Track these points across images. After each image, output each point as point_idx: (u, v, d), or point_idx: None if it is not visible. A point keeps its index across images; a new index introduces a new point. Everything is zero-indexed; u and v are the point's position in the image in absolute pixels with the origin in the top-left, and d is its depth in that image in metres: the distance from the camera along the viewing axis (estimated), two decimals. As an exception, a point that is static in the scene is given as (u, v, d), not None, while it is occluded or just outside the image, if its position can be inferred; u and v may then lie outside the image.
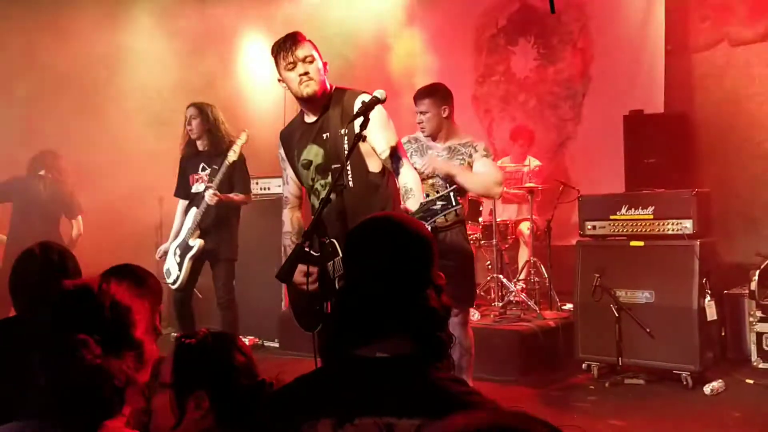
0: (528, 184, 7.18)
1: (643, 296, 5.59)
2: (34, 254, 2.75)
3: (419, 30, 9.11)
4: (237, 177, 5.74)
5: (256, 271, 7.24)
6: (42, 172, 6.89)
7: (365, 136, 3.29)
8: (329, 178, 3.53)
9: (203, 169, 5.67)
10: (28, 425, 1.66)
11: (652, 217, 5.65)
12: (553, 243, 6.97)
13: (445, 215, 3.03)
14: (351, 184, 3.47)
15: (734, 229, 6.86)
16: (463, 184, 4.46)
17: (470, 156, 4.62)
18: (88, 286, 1.79)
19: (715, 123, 7.10)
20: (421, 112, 4.73)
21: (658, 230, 5.62)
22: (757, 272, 5.90)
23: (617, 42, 7.75)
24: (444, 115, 4.72)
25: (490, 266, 7.17)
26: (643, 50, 7.51)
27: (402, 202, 3.40)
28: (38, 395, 1.69)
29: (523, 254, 7.25)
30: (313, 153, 3.60)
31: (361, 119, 3.24)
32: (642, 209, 5.70)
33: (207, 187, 5.56)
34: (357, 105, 3.41)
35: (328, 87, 3.57)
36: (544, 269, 6.91)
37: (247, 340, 7.29)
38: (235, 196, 5.70)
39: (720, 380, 5.33)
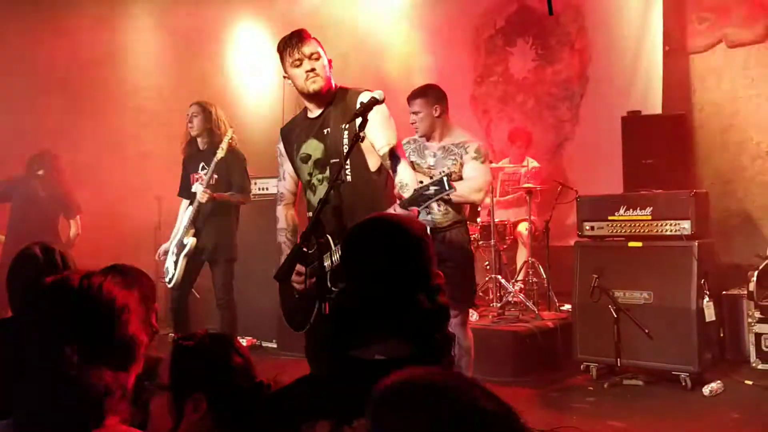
0: (526, 185, 7.17)
1: (642, 297, 5.59)
2: (31, 254, 2.75)
3: (418, 30, 9.11)
4: (235, 177, 5.73)
5: (255, 272, 7.22)
6: (40, 172, 6.88)
7: (364, 137, 3.30)
8: (327, 173, 3.56)
9: (203, 168, 5.66)
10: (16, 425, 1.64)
11: (650, 217, 5.65)
12: (552, 244, 6.96)
13: (437, 199, 3.04)
14: (349, 179, 3.48)
15: (732, 229, 6.86)
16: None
17: (461, 157, 4.66)
18: (66, 279, 1.73)
19: (713, 124, 7.10)
20: (413, 113, 4.83)
21: (657, 231, 5.62)
22: (756, 273, 5.89)
23: (615, 43, 7.74)
24: (436, 115, 4.80)
25: (488, 267, 7.16)
26: (641, 51, 7.50)
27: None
28: (24, 400, 1.66)
29: (522, 255, 7.24)
30: (313, 147, 3.63)
31: (359, 119, 3.25)
32: (640, 210, 5.70)
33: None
34: (359, 103, 3.43)
35: (333, 85, 3.61)
36: (542, 270, 6.90)
37: (245, 341, 7.28)
38: (231, 196, 5.69)
39: (719, 381, 5.33)
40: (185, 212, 5.78)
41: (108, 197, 7.70)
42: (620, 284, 5.67)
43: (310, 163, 3.65)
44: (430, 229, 4.51)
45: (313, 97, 3.58)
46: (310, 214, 3.75)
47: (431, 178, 3.13)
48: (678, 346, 5.41)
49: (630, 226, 5.73)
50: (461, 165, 4.64)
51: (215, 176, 5.60)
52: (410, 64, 9.14)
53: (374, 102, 3.28)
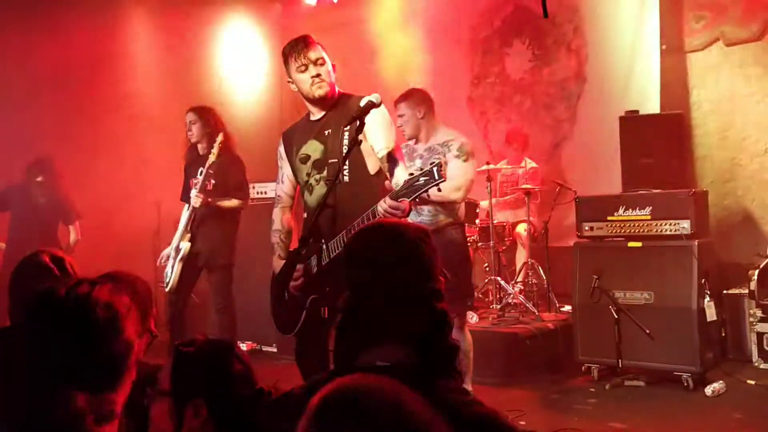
0: (524, 186, 7.16)
1: (642, 297, 5.57)
2: (32, 261, 2.72)
3: (414, 31, 9.11)
4: (232, 181, 5.72)
5: (254, 275, 7.21)
6: (39, 179, 6.86)
7: (361, 140, 3.31)
8: (325, 173, 3.58)
9: (201, 173, 5.65)
10: None
11: (649, 217, 5.64)
12: (551, 244, 6.95)
13: (427, 189, 3.01)
14: (347, 179, 3.49)
15: (732, 228, 6.85)
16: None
17: (444, 156, 4.71)
18: (52, 290, 1.68)
19: (712, 123, 7.10)
20: (399, 116, 4.96)
21: (656, 231, 5.61)
22: (757, 272, 5.88)
23: (612, 42, 7.74)
24: (420, 116, 4.95)
25: (487, 268, 7.15)
26: (638, 50, 7.50)
27: None
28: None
29: (521, 256, 7.23)
30: (313, 148, 3.65)
31: (357, 123, 3.26)
32: (639, 210, 5.69)
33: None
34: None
35: (337, 90, 3.65)
36: (542, 271, 6.88)
37: (245, 345, 7.27)
38: (228, 201, 5.68)
39: (721, 381, 5.31)
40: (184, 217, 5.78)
41: (107, 203, 7.68)
42: (620, 285, 5.65)
43: (309, 163, 3.67)
44: None
45: (318, 101, 3.61)
46: (305, 214, 3.75)
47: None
48: (679, 347, 5.39)
49: (629, 226, 5.72)
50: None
51: (212, 181, 5.60)
52: (407, 66, 9.13)
53: (371, 105, 3.29)
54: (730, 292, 6.11)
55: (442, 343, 1.73)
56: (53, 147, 7.24)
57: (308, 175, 3.68)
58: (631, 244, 5.69)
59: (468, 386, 4.36)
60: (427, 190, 3.01)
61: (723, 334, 5.96)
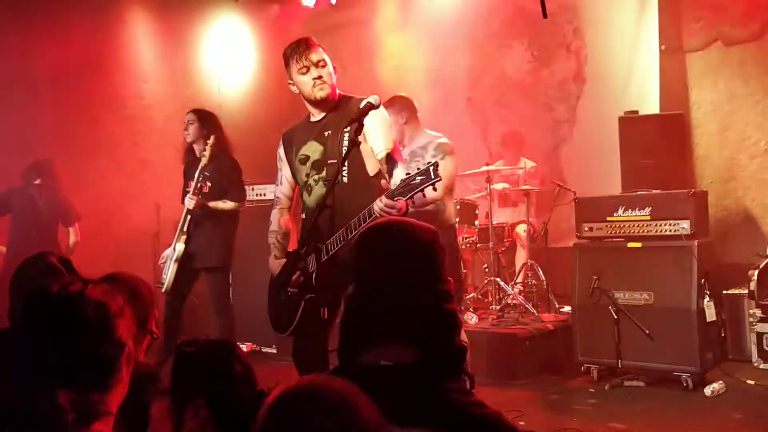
0: (524, 187, 7.17)
1: (642, 298, 5.57)
2: (40, 261, 2.72)
3: (412, 33, 9.12)
4: (228, 184, 5.71)
5: (253, 277, 7.20)
6: (38, 181, 6.86)
7: (360, 142, 3.32)
8: (324, 173, 3.58)
9: (200, 176, 5.64)
10: None
11: (649, 218, 5.63)
12: (550, 245, 6.96)
13: (423, 188, 3.00)
14: (345, 180, 3.50)
15: (732, 229, 6.85)
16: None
17: (423, 158, 4.81)
18: (44, 289, 1.64)
19: (711, 123, 7.10)
20: None
21: (656, 231, 5.61)
22: (756, 272, 5.88)
23: (611, 43, 7.75)
24: (402, 122, 5.09)
25: (487, 269, 7.15)
26: (637, 51, 7.51)
27: None
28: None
29: (520, 257, 7.23)
30: (312, 149, 3.66)
31: (356, 124, 3.27)
32: (639, 210, 5.69)
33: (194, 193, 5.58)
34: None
35: (337, 92, 3.66)
36: (541, 272, 6.89)
37: (245, 346, 7.27)
38: (223, 203, 5.68)
39: (720, 381, 5.31)
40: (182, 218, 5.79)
41: (106, 204, 7.68)
42: (620, 285, 5.65)
43: (308, 164, 3.67)
44: None
45: (319, 103, 3.62)
46: (304, 215, 3.75)
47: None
48: (679, 347, 5.39)
49: (629, 226, 5.72)
50: None
51: (208, 183, 5.59)
52: (406, 68, 9.14)
53: (370, 107, 3.31)
54: (729, 292, 6.11)
55: (450, 344, 1.73)
56: (52, 149, 7.24)
57: (307, 175, 3.68)
58: (630, 244, 5.69)
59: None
60: (423, 190, 3.01)
61: (722, 335, 5.96)
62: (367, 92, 3.50)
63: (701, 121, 7.13)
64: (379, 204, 3.13)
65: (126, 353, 1.65)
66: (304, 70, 3.56)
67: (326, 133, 3.59)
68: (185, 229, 5.62)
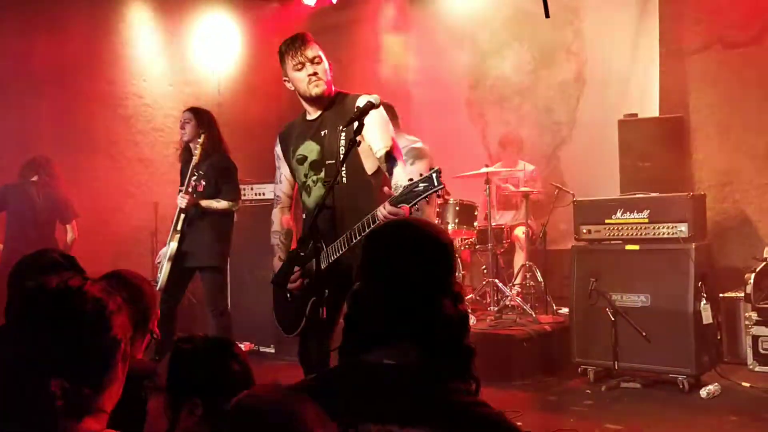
0: (523, 188, 7.18)
1: (639, 300, 5.59)
2: (36, 258, 2.71)
3: (413, 33, 9.13)
4: (223, 183, 5.70)
5: (252, 277, 7.23)
6: (34, 178, 6.85)
7: (360, 141, 3.31)
8: (322, 174, 3.58)
9: (194, 174, 5.64)
10: None
11: (647, 220, 5.65)
12: (549, 247, 6.97)
13: (427, 196, 3.00)
14: (345, 181, 3.49)
15: (729, 232, 6.86)
16: None
17: None
18: (43, 283, 1.66)
19: (710, 126, 7.10)
20: None
21: (654, 234, 5.62)
22: (753, 275, 5.89)
23: (611, 46, 7.76)
24: None
25: (485, 271, 7.16)
26: (638, 54, 7.53)
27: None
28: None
29: (519, 258, 7.24)
30: (309, 149, 3.64)
31: (356, 124, 3.26)
32: (637, 213, 5.70)
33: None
34: (357, 107, 3.44)
35: (333, 89, 3.63)
36: (539, 273, 6.90)
37: (243, 346, 7.27)
38: (217, 202, 5.67)
39: (716, 384, 5.33)
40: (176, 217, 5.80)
41: (105, 203, 7.69)
42: (617, 287, 5.67)
43: (306, 164, 3.66)
44: None
45: (315, 100, 3.60)
46: (304, 215, 3.76)
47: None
48: (675, 349, 5.40)
49: (627, 229, 5.73)
50: None
51: (203, 182, 5.58)
52: (405, 68, 9.16)
53: (370, 106, 3.29)
54: (726, 295, 6.12)
55: (459, 346, 1.72)
56: (51, 146, 7.25)
57: (306, 176, 3.67)
58: (628, 246, 5.70)
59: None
60: (427, 197, 3.01)
61: (718, 337, 5.97)
62: (367, 92, 3.50)
63: (700, 125, 7.14)
64: (383, 211, 3.12)
65: (121, 351, 1.65)
66: (300, 66, 3.54)
67: (323, 133, 3.58)
68: (179, 227, 5.61)
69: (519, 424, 1.65)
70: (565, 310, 6.47)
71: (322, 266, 3.35)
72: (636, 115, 6.83)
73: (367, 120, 3.31)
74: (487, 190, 6.81)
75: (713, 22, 7.01)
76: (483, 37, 8.70)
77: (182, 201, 5.54)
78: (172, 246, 5.58)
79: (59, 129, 7.53)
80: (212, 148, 5.66)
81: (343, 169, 3.45)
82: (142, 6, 8.41)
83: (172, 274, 5.56)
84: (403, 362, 1.66)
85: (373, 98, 3.34)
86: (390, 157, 3.48)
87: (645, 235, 5.65)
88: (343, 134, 3.48)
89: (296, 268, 3.57)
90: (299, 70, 3.55)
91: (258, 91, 9.03)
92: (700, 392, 5.26)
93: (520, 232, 7.22)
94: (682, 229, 5.49)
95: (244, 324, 7.34)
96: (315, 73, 3.54)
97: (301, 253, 3.52)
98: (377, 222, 3.16)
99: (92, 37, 7.90)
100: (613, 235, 5.80)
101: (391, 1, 9.10)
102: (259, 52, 9.09)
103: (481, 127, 8.75)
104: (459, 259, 6.30)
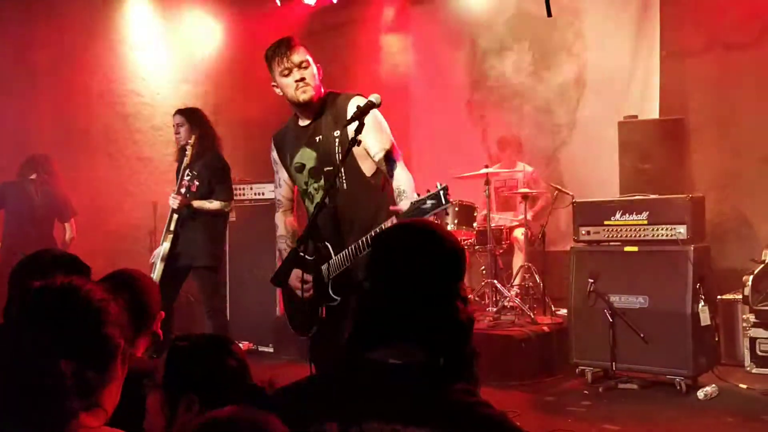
0: (522, 190, 7.19)
1: (637, 301, 5.59)
2: (38, 256, 2.71)
3: (413, 35, 9.14)
4: (216, 183, 5.71)
5: (250, 276, 7.24)
6: (33, 176, 6.85)
7: (360, 141, 3.29)
8: (322, 181, 3.54)
9: (188, 174, 5.65)
10: None
11: (646, 222, 5.66)
12: (548, 248, 6.98)
13: (434, 213, 2.99)
14: (345, 186, 3.47)
15: (728, 234, 6.87)
16: None
17: None
18: (46, 280, 1.69)
19: (710, 129, 7.12)
20: None
21: (652, 235, 5.63)
22: (751, 277, 5.90)
23: (612, 48, 7.77)
24: None
25: (484, 271, 7.17)
26: (638, 56, 7.54)
27: (396, 204, 3.40)
28: None
29: (518, 259, 7.25)
30: (306, 156, 3.61)
31: (356, 123, 3.24)
32: (636, 215, 5.71)
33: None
34: (351, 108, 3.42)
35: (322, 91, 3.58)
36: (537, 275, 6.91)
37: (241, 345, 7.27)
38: (209, 203, 5.68)
39: (713, 385, 5.34)
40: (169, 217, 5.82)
41: (103, 201, 7.69)
42: (616, 289, 5.67)
43: (305, 172, 3.62)
44: None
45: (304, 106, 3.55)
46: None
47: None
48: (673, 351, 5.41)
49: (626, 230, 5.74)
50: None
51: (196, 182, 5.59)
52: (406, 68, 9.17)
53: (371, 105, 3.26)
54: (724, 297, 6.13)
55: (466, 348, 1.73)
56: (50, 144, 7.25)
57: (306, 183, 3.64)
58: (627, 248, 5.71)
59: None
60: (433, 213, 2.99)
61: (716, 339, 5.97)
62: (367, 91, 3.48)
63: (700, 127, 7.15)
64: (389, 226, 3.09)
65: (120, 352, 1.68)
66: (286, 72, 3.49)
67: (317, 139, 3.54)
68: (171, 228, 5.63)
69: (516, 424, 1.66)
70: (563, 311, 6.48)
71: (328, 278, 3.37)
72: (636, 116, 6.84)
73: (364, 120, 3.29)
74: (487, 191, 6.82)
75: (714, 24, 7.02)
76: (483, 37, 8.71)
77: (174, 202, 5.56)
78: (165, 246, 5.60)
79: (58, 127, 7.54)
80: (205, 147, 5.67)
81: (342, 174, 3.43)
82: (142, 4, 8.41)
83: (165, 274, 5.56)
84: (409, 362, 1.66)
85: (374, 97, 3.29)
86: (390, 159, 3.44)
87: (644, 236, 5.66)
88: (338, 139, 3.45)
89: (306, 277, 3.52)
90: (286, 75, 3.50)
91: (257, 90, 9.02)
92: (698, 394, 5.27)
93: (519, 233, 7.23)
94: (681, 230, 5.50)
95: (242, 323, 7.36)
96: (302, 79, 3.48)
97: (302, 254, 3.49)
98: None
99: (91, 35, 7.90)
100: (612, 236, 5.81)
101: (392, 1, 9.11)
102: (258, 51, 9.08)
103: (481, 128, 8.76)
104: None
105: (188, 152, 5.59)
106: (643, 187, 6.14)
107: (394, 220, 3.12)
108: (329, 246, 3.45)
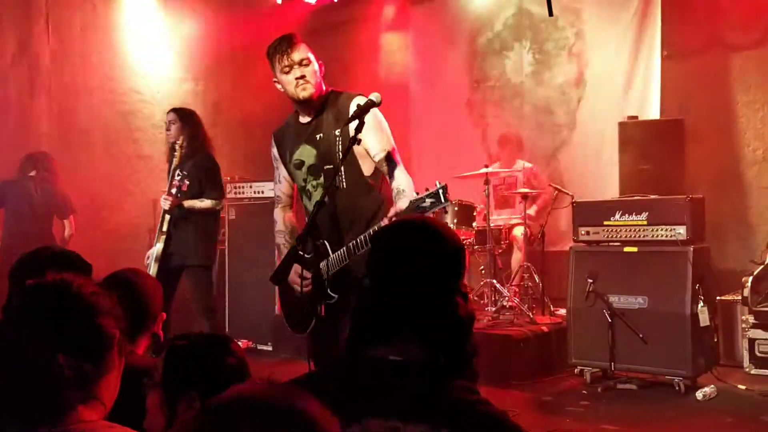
0: (522, 189, 7.19)
1: (636, 302, 5.59)
2: (38, 254, 2.70)
3: (414, 35, 9.13)
4: (206, 182, 5.73)
5: (249, 275, 7.24)
6: (32, 173, 6.85)
7: (360, 140, 3.29)
8: (321, 179, 3.55)
9: (178, 175, 5.66)
10: None
11: (645, 222, 5.66)
12: (547, 248, 6.97)
13: (433, 211, 2.99)
14: (344, 185, 3.47)
15: (728, 235, 6.88)
16: None
17: None
18: (42, 281, 1.71)
19: (710, 129, 7.12)
20: None
21: (652, 236, 5.63)
22: (750, 278, 5.90)
23: (613, 48, 7.77)
24: None
25: (483, 271, 7.17)
26: (639, 56, 7.53)
27: (394, 204, 3.39)
28: None
29: (517, 259, 7.25)
30: (306, 153, 3.61)
31: (356, 122, 3.23)
32: (636, 215, 5.71)
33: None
34: (352, 107, 3.42)
35: (324, 89, 3.58)
36: (536, 274, 6.91)
37: (240, 343, 7.27)
38: (200, 202, 5.70)
39: (712, 386, 5.34)
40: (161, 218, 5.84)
41: (103, 199, 7.69)
42: (615, 289, 5.67)
43: (304, 169, 3.63)
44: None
45: (304, 103, 3.55)
46: (307, 219, 3.74)
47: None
48: (672, 351, 5.41)
49: (625, 231, 5.74)
50: None
51: (187, 182, 5.60)
52: (406, 67, 9.16)
53: (371, 104, 3.26)
54: (723, 298, 6.14)
55: (466, 345, 1.73)
56: (49, 142, 7.25)
57: (305, 181, 3.64)
58: (626, 248, 5.71)
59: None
60: (432, 212, 3.00)
61: (715, 340, 5.97)
62: (368, 90, 3.48)
63: (701, 128, 7.14)
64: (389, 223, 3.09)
65: (115, 342, 1.70)
66: (287, 69, 3.50)
67: (318, 136, 3.54)
68: (164, 229, 5.66)
69: (517, 423, 1.66)
70: (562, 311, 6.48)
71: (326, 275, 3.36)
72: (636, 117, 6.84)
73: (365, 120, 3.29)
74: (486, 191, 6.82)
75: (715, 24, 7.03)
76: (484, 37, 8.71)
77: (165, 203, 5.59)
78: (159, 247, 5.63)
79: (58, 125, 7.54)
80: (195, 147, 5.70)
81: (342, 173, 3.43)
82: (142, 2, 8.40)
83: (160, 275, 5.56)
84: (408, 359, 1.66)
85: (374, 96, 3.29)
86: (390, 160, 3.44)
87: (643, 237, 5.66)
88: (339, 137, 3.45)
89: (305, 273, 3.52)
90: (287, 72, 3.51)
91: (257, 88, 9.02)
92: (696, 394, 5.27)
93: (518, 232, 7.23)
94: (681, 231, 5.49)
95: (241, 322, 7.36)
96: (303, 76, 3.49)
97: (301, 252, 3.49)
98: None
99: (91, 32, 7.90)
100: (612, 236, 5.81)
101: (392, 0, 9.10)
102: (258, 50, 9.08)
103: (481, 128, 8.76)
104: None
105: (177, 153, 5.62)
106: (642, 187, 6.14)
107: (393, 217, 3.10)
108: (327, 244, 3.45)
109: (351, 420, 1.58)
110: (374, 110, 3.35)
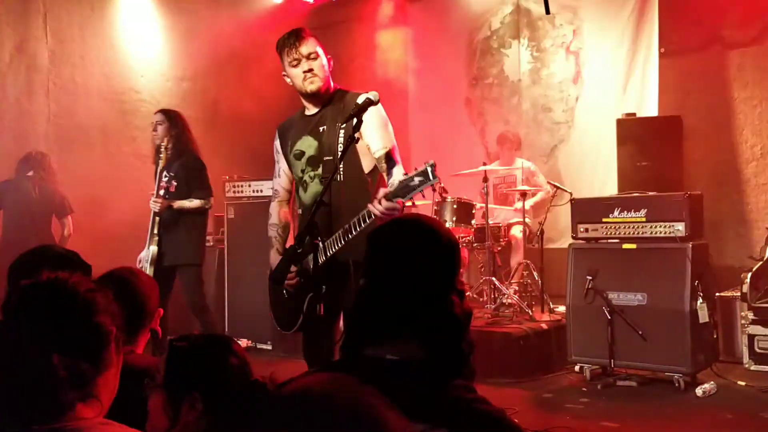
0: (521, 187, 7.19)
1: (636, 299, 5.60)
2: (37, 253, 2.70)
3: (412, 32, 9.13)
4: (193, 182, 5.78)
5: (248, 274, 7.23)
6: (30, 173, 6.84)
7: (359, 138, 3.30)
8: (319, 170, 3.57)
9: (165, 176, 5.69)
10: None
11: (644, 219, 5.66)
12: (546, 246, 6.98)
13: (422, 189, 2.98)
14: (342, 178, 3.48)
15: (726, 231, 6.89)
16: None
17: None
18: (36, 281, 1.71)
19: (708, 126, 7.13)
20: None
21: (651, 233, 5.63)
22: (749, 275, 5.91)
23: (611, 45, 7.77)
24: None
25: (482, 269, 7.17)
26: (637, 54, 7.54)
27: None
28: None
29: (516, 257, 7.26)
30: (307, 144, 3.64)
31: (355, 120, 3.25)
32: (634, 212, 5.71)
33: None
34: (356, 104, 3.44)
35: (332, 85, 3.63)
36: (535, 272, 6.91)
37: (240, 342, 7.27)
38: (189, 202, 5.74)
39: (712, 382, 5.35)
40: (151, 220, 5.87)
41: (101, 199, 7.67)
42: (614, 286, 5.68)
43: (304, 159, 3.65)
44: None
45: (312, 96, 3.60)
46: (300, 210, 3.75)
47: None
48: (671, 348, 5.42)
49: (624, 227, 5.74)
50: None
51: (174, 183, 5.64)
52: (405, 66, 9.16)
53: (369, 103, 3.27)
54: (722, 294, 6.14)
55: (462, 343, 1.73)
56: (47, 142, 7.24)
57: (302, 171, 3.66)
58: (625, 245, 5.71)
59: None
60: (421, 190, 3.01)
61: (715, 336, 5.98)
62: (366, 89, 3.49)
63: (699, 124, 7.15)
64: (379, 207, 3.09)
65: (112, 339, 1.70)
66: (295, 62, 3.54)
67: (321, 129, 3.57)
68: (155, 231, 5.70)
69: (515, 421, 1.66)
70: (561, 309, 6.48)
71: (318, 262, 3.34)
72: (634, 114, 6.85)
73: (366, 118, 3.29)
74: (485, 189, 6.82)
75: (712, 22, 7.03)
76: (482, 35, 8.71)
77: (155, 205, 5.64)
78: (153, 249, 5.67)
79: (56, 125, 7.53)
80: (180, 149, 5.78)
81: (341, 166, 3.44)
82: (140, 1, 8.39)
83: (156, 277, 5.58)
84: (406, 358, 1.66)
85: (372, 95, 3.31)
86: (390, 159, 3.47)
87: (642, 234, 5.66)
88: (342, 131, 3.47)
89: (292, 267, 3.56)
90: (295, 66, 3.55)
91: (256, 87, 9.03)
92: (696, 391, 5.28)
93: (517, 230, 7.24)
94: (679, 228, 5.50)
95: (240, 320, 7.36)
96: (311, 70, 3.53)
97: (299, 250, 3.50)
98: (372, 218, 3.15)
99: (89, 31, 7.89)
100: (610, 233, 5.81)
101: (391, -1, 9.11)
102: (257, 49, 9.08)
103: (479, 126, 8.76)
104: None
105: (162, 154, 5.66)
106: (641, 184, 6.14)
107: (383, 200, 3.07)
108: (320, 237, 3.45)
109: None
110: (379, 107, 3.40)
